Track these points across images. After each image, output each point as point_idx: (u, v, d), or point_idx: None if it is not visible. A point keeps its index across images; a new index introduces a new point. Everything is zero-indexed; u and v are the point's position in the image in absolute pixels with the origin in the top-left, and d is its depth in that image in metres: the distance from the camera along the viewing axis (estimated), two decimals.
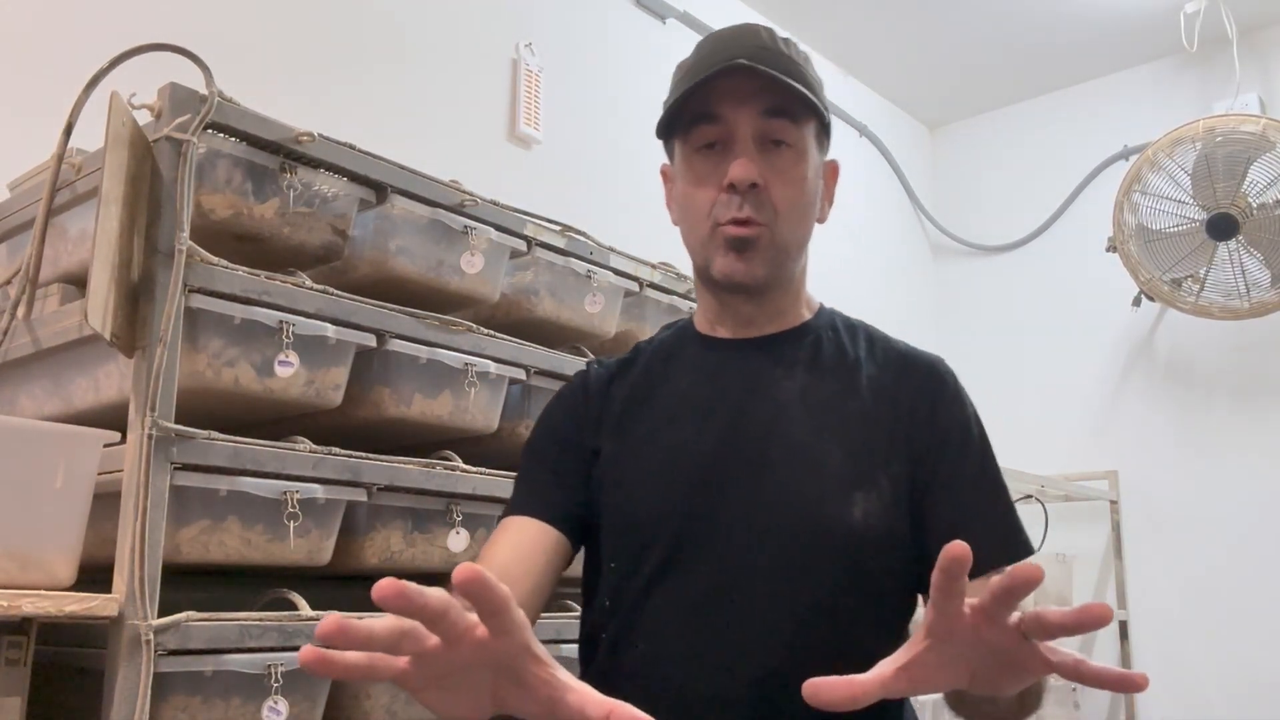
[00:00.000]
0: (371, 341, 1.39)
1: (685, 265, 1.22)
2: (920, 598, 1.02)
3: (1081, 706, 2.83)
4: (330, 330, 1.34)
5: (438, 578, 1.45)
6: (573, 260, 1.71)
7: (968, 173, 3.87)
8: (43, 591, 1.06)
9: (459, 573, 0.54)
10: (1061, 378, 3.48)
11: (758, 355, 1.06)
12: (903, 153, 3.76)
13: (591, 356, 1.61)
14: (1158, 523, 3.24)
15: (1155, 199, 2.93)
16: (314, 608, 1.27)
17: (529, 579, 0.97)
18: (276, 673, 1.20)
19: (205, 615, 1.15)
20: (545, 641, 1.03)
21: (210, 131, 1.27)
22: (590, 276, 1.73)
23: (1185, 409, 3.25)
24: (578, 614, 1.23)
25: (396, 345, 1.42)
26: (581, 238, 1.73)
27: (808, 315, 1.09)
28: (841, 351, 1.06)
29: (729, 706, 0.93)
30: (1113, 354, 3.41)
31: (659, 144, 1.09)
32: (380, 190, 1.45)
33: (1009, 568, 0.60)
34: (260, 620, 1.21)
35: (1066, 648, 0.64)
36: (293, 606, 1.27)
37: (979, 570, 0.62)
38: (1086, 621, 0.58)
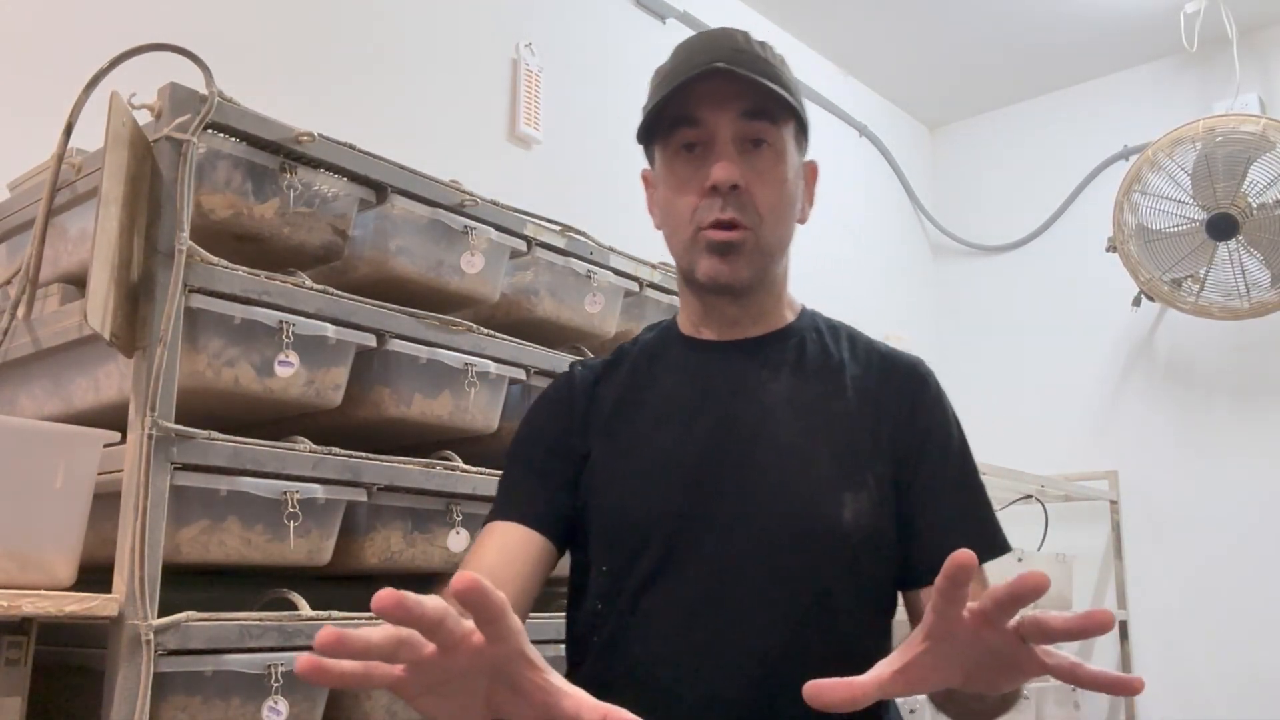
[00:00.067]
0: (371, 341, 1.39)
1: None
2: (900, 594, 1.04)
3: (1081, 706, 2.83)
4: (330, 330, 1.34)
5: (438, 578, 1.45)
6: (573, 260, 1.71)
7: (968, 173, 3.87)
8: (43, 591, 1.06)
9: (457, 582, 0.54)
10: (1061, 378, 3.48)
11: (744, 358, 1.06)
12: (903, 153, 3.76)
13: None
14: (1158, 523, 3.24)
15: (1155, 199, 2.93)
16: (314, 608, 1.27)
17: (515, 584, 0.97)
18: (276, 673, 1.20)
19: (205, 615, 1.16)
20: (544, 642, 1.03)
21: (210, 131, 1.27)
22: (590, 276, 1.73)
23: (1185, 409, 3.25)
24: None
25: (396, 345, 1.42)
26: (581, 238, 1.74)
27: (791, 317, 1.10)
28: (825, 353, 1.07)
29: (724, 707, 0.94)
30: (1113, 354, 3.41)
31: None
32: (380, 190, 1.45)
33: (1016, 575, 0.60)
34: (260, 620, 1.21)
35: (1066, 648, 0.64)
36: (293, 606, 1.27)
37: None
38: (1089, 628, 0.59)
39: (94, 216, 1.13)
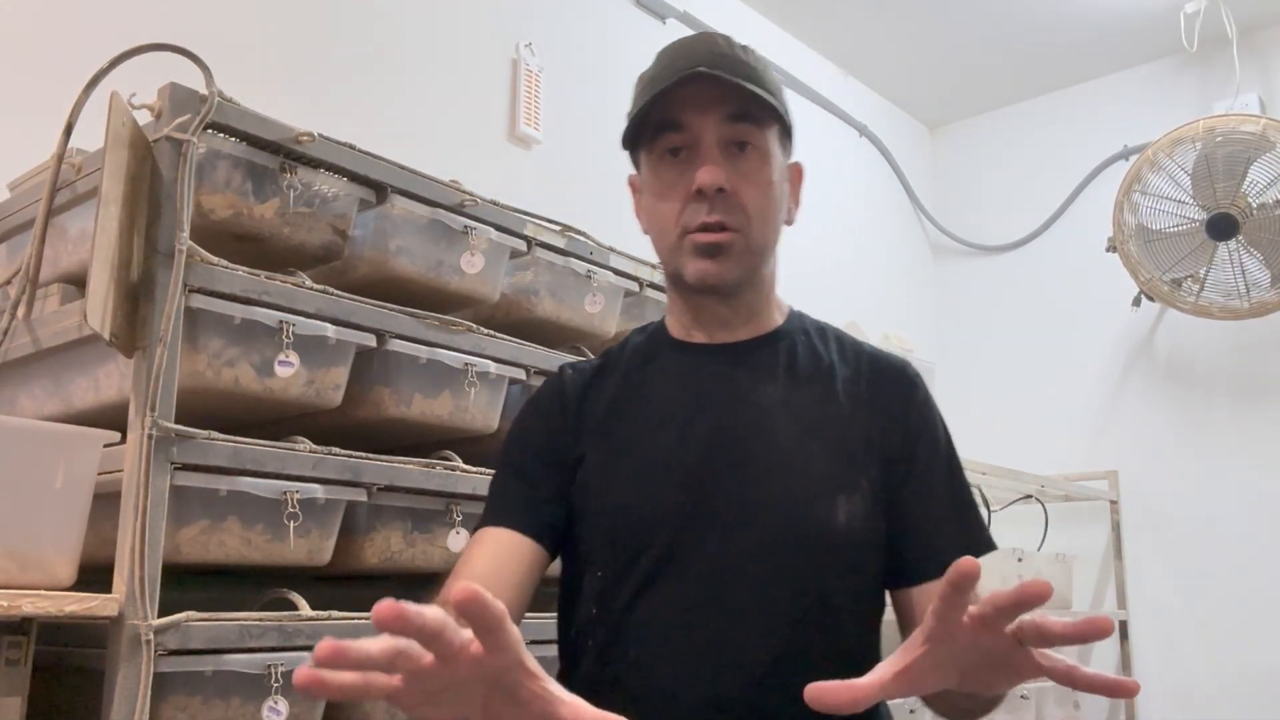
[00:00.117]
0: (371, 341, 1.39)
1: None
2: (889, 595, 1.05)
3: (1081, 706, 2.83)
4: (330, 330, 1.34)
5: (438, 577, 1.45)
6: (573, 260, 1.71)
7: (968, 173, 3.87)
8: (43, 591, 1.06)
9: (458, 593, 0.54)
10: (1061, 378, 3.47)
11: (736, 362, 1.06)
12: (903, 153, 3.76)
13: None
14: (1158, 523, 3.24)
15: (1155, 199, 2.93)
16: (314, 608, 1.27)
17: (509, 591, 0.97)
18: (276, 673, 1.20)
19: (205, 615, 1.16)
20: (536, 643, 1.03)
21: (210, 131, 1.27)
22: (590, 276, 1.74)
23: (1185, 409, 3.25)
24: None
25: (396, 345, 1.42)
26: (581, 238, 1.74)
27: (779, 319, 1.10)
28: (816, 356, 1.08)
29: (722, 709, 0.94)
30: (1113, 354, 3.41)
31: None
32: (380, 190, 1.45)
33: (1021, 583, 0.60)
34: (260, 620, 1.21)
35: (1065, 650, 0.64)
36: (293, 606, 1.27)
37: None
38: (1089, 633, 0.59)
39: (94, 216, 1.13)
